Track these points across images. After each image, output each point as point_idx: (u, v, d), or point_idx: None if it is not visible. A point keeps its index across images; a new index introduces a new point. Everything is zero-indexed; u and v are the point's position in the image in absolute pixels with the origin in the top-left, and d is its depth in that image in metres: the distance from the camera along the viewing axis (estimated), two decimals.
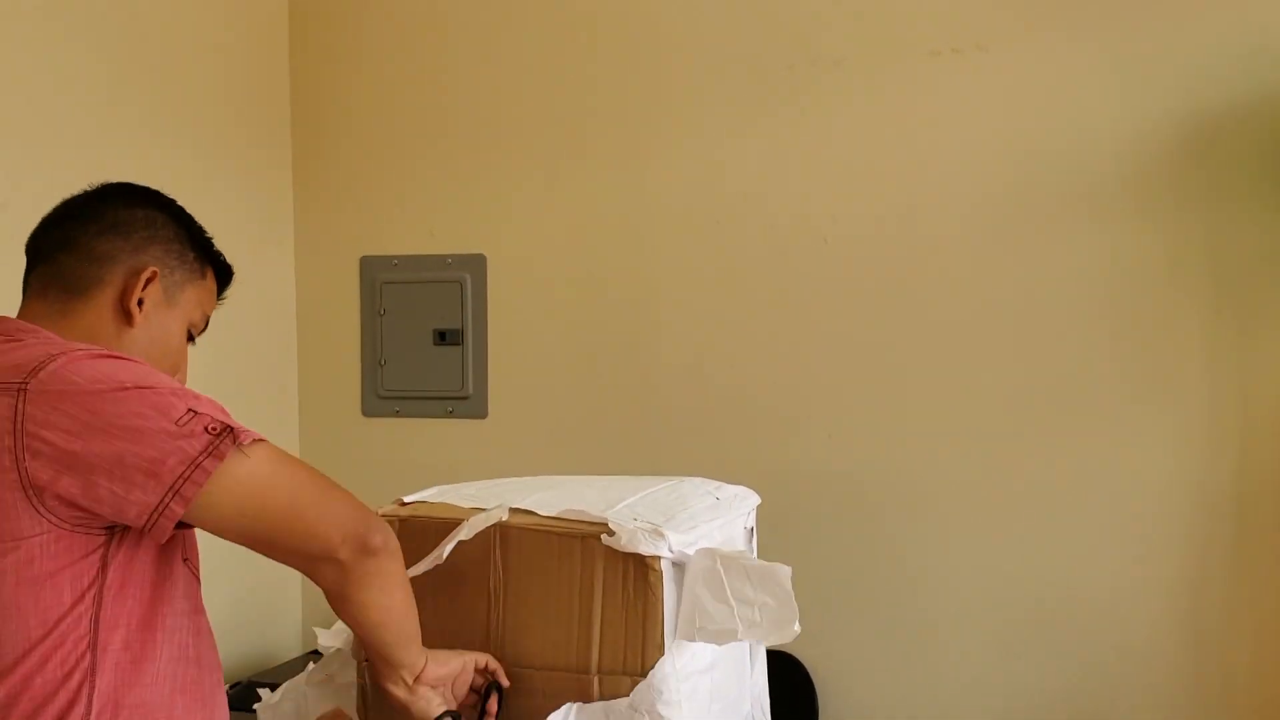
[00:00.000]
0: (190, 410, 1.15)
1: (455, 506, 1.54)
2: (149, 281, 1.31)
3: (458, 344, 2.67)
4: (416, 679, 1.37)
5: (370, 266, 2.74)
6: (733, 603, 1.40)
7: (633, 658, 1.41)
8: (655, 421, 2.56)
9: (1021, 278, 2.35)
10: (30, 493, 1.13)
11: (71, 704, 1.16)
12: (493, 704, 1.44)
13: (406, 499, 1.60)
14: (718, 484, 1.72)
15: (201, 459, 1.13)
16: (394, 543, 1.26)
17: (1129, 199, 2.29)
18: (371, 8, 2.73)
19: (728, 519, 1.62)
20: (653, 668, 1.39)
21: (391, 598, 1.28)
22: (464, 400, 2.68)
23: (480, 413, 2.68)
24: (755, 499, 1.74)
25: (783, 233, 2.48)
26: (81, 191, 1.38)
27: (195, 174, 2.46)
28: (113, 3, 2.28)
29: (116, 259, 1.31)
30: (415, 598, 1.36)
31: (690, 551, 1.43)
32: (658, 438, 2.55)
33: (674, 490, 1.65)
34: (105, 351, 1.22)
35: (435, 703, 1.39)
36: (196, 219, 1.42)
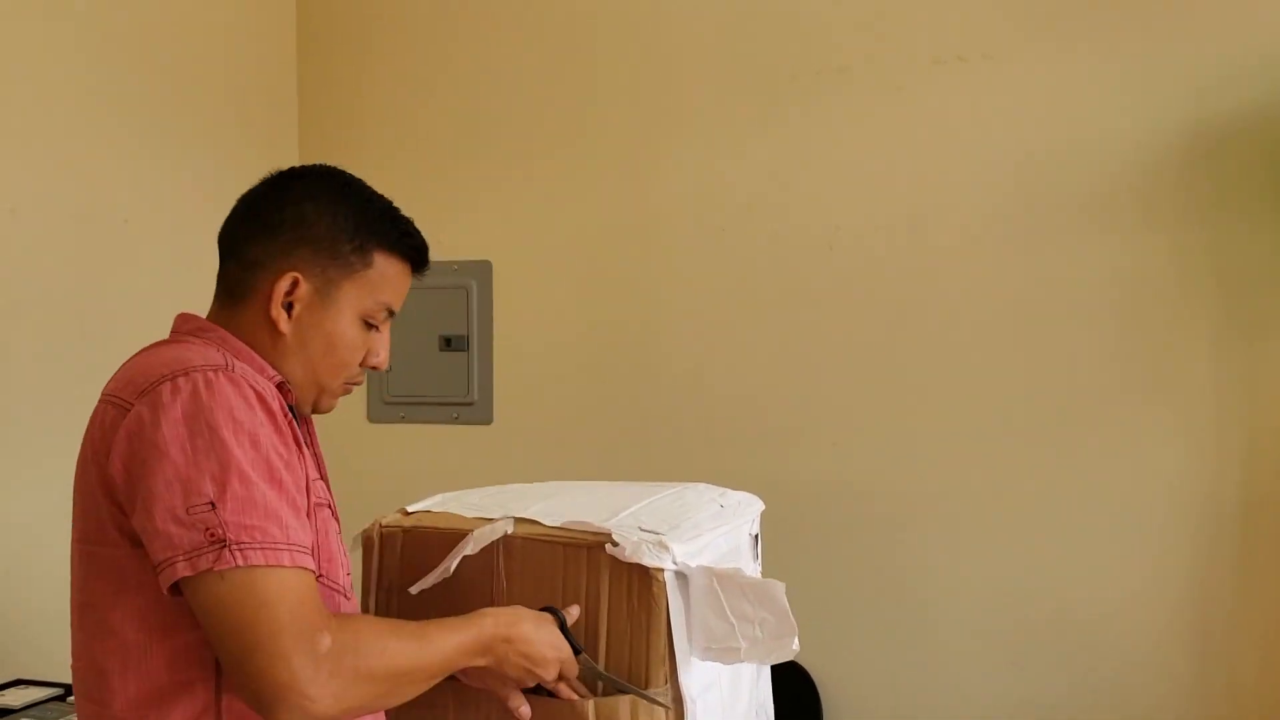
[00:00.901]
0: (211, 504, 1.14)
1: (459, 516, 1.54)
2: (293, 287, 1.31)
3: (463, 350, 2.67)
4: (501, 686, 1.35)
5: None
6: (733, 620, 1.40)
7: (637, 669, 1.41)
8: (660, 428, 2.56)
9: (1027, 286, 2.35)
10: (109, 502, 1.19)
11: (202, 709, 1.20)
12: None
13: (410, 508, 1.60)
14: (722, 490, 1.72)
15: (177, 559, 1.13)
16: (332, 689, 1.15)
17: (1135, 207, 2.29)
18: (378, 18, 2.74)
19: (732, 526, 1.62)
20: (656, 679, 1.39)
21: (396, 694, 1.23)
22: (469, 406, 2.68)
23: (486, 419, 2.68)
24: (760, 505, 1.74)
25: (788, 240, 2.48)
26: (261, 180, 1.38)
27: (203, 182, 2.47)
28: (122, 14, 2.29)
29: (264, 264, 1.32)
30: (418, 611, 1.35)
31: (693, 563, 1.42)
32: (663, 444, 2.55)
33: (678, 498, 1.64)
34: (220, 375, 1.20)
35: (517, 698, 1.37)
36: (378, 198, 1.40)
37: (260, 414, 1.20)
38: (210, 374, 1.19)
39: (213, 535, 1.12)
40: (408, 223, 1.41)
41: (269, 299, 1.31)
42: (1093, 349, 2.32)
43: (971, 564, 2.39)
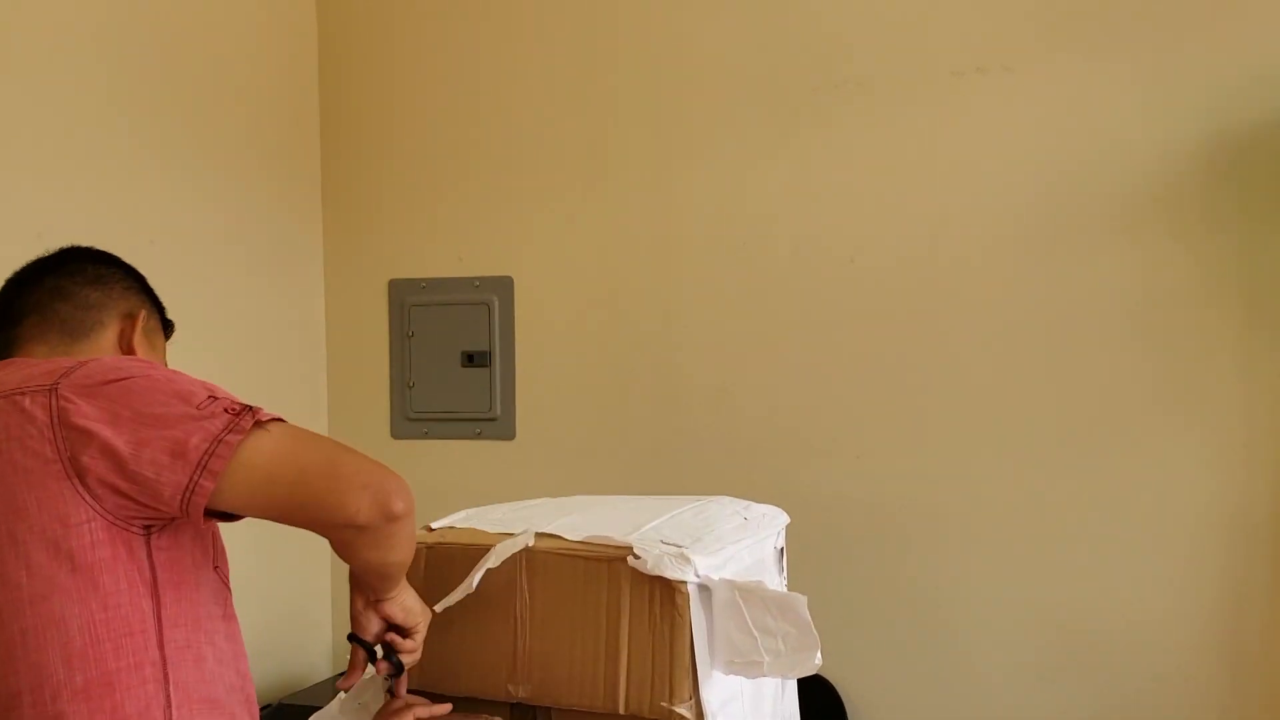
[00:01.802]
0: (210, 395, 1.22)
1: (483, 532, 1.54)
2: (140, 320, 1.43)
3: (485, 366, 2.68)
4: (377, 602, 1.42)
5: (399, 289, 2.75)
6: (755, 634, 1.40)
7: (660, 683, 1.40)
8: (682, 443, 2.56)
9: (1050, 298, 2.33)
10: (76, 480, 1.20)
11: (152, 694, 1.21)
12: (400, 686, 1.48)
13: (434, 525, 1.60)
14: (746, 503, 1.72)
15: (224, 434, 1.19)
16: (411, 503, 1.28)
17: (1158, 218, 2.27)
18: (399, 35, 2.76)
19: (756, 539, 1.61)
20: (680, 692, 1.39)
21: (399, 553, 1.31)
22: (492, 421, 2.69)
23: (508, 434, 2.69)
24: (785, 518, 1.73)
25: (809, 254, 2.48)
26: (45, 254, 1.46)
27: (226, 200, 2.49)
28: (145, 32, 2.31)
29: (108, 306, 1.42)
30: (442, 626, 1.39)
31: (716, 576, 1.42)
32: (685, 459, 2.55)
33: (701, 511, 1.64)
34: (123, 355, 1.35)
35: (373, 627, 1.44)
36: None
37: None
38: (103, 356, 1.31)
39: (230, 410, 1.21)
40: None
41: (120, 333, 1.42)
42: (1118, 361, 2.30)
43: (997, 578, 2.37)
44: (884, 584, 2.42)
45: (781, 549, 1.72)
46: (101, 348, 1.40)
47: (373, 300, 2.77)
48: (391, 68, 2.76)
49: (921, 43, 2.40)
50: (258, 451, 1.20)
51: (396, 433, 2.77)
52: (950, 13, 2.39)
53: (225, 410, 1.20)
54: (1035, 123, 2.34)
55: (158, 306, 1.50)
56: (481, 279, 2.68)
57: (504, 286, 2.68)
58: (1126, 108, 2.28)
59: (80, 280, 1.43)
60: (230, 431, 1.19)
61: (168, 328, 1.52)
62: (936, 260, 2.40)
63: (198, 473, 1.18)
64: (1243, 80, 2.21)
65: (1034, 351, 2.35)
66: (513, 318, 2.67)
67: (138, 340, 1.42)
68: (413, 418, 2.75)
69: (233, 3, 2.55)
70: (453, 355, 2.70)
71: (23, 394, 1.23)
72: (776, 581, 1.66)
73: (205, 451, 1.18)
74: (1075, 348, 2.32)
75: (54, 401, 1.21)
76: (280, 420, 1.24)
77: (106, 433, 1.19)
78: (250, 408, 1.22)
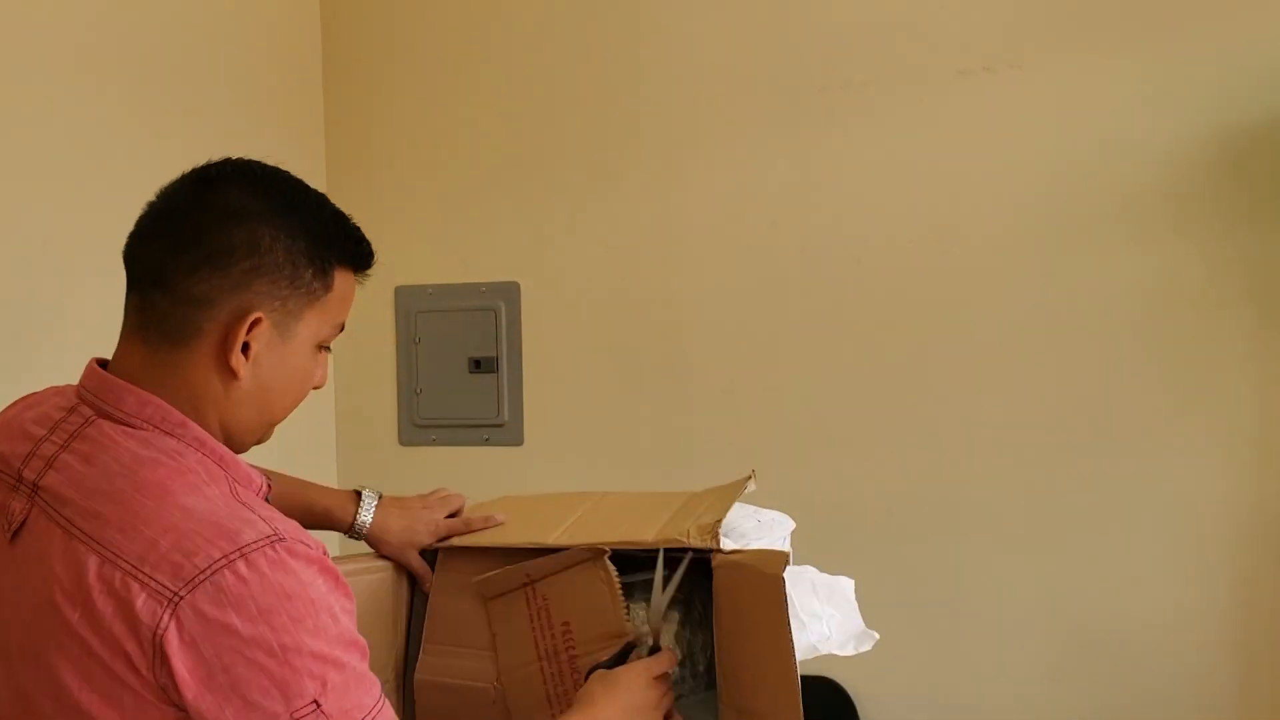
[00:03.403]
0: (315, 703, 1.03)
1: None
2: (252, 327, 1.14)
3: (493, 371, 2.68)
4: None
5: (405, 296, 2.75)
6: (804, 618, 1.39)
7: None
8: (692, 445, 2.55)
9: (1059, 296, 2.33)
10: (151, 690, 1.02)
11: None
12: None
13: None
14: (755, 508, 1.72)
15: None
16: None
17: (1167, 215, 2.26)
18: (404, 38, 2.76)
19: (769, 541, 1.62)
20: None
21: None
22: (500, 428, 2.69)
23: (516, 440, 2.68)
24: (790, 524, 1.73)
25: (816, 254, 2.47)
26: (175, 186, 1.20)
27: None
28: (145, 30, 2.31)
29: (215, 301, 1.13)
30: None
31: None
32: (694, 462, 2.54)
33: None
34: (280, 553, 1.05)
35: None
36: (324, 202, 1.26)
37: (322, 580, 1.07)
38: (270, 551, 1.04)
39: None
40: (355, 227, 1.28)
41: (224, 344, 1.14)
42: (1127, 359, 2.29)
43: (1007, 577, 2.36)
44: (894, 582, 2.41)
45: (788, 554, 1.72)
46: (200, 362, 1.13)
47: (379, 307, 2.77)
48: (396, 72, 2.76)
49: (928, 42, 2.39)
50: None
51: (405, 439, 2.77)
52: (957, 12, 2.38)
53: None
54: (1043, 122, 2.33)
55: (334, 258, 1.20)
56: (488, 285, 2.68)
57: (510, 292, 2.67)
58: (1135, 106, 2.27)
59: (189, 259, 1.13)
60: None
61: (365, 270, 1.25)
62: (944, 259, 2.39)
63: None
64: (1253, 78, 2.20)
65: (1042, 349, 2.34)
66: (519, 323, 2.67)
67: (257, 345, 1.14)
68: (420, 424, 2.75)
69: (238, 4, 2.56)
70: (459, 361, 2.70)
71: (111, 557, 1.01)
72: None
73: None
74: (1084, 346, 2.31)
75: (167, 620, 1.00)
76: None
77: (190, 694, 1.00)
78: None
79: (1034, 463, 2.34)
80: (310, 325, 1.20)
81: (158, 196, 1.20)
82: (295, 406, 1.26)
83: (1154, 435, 2.28)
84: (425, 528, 1.61)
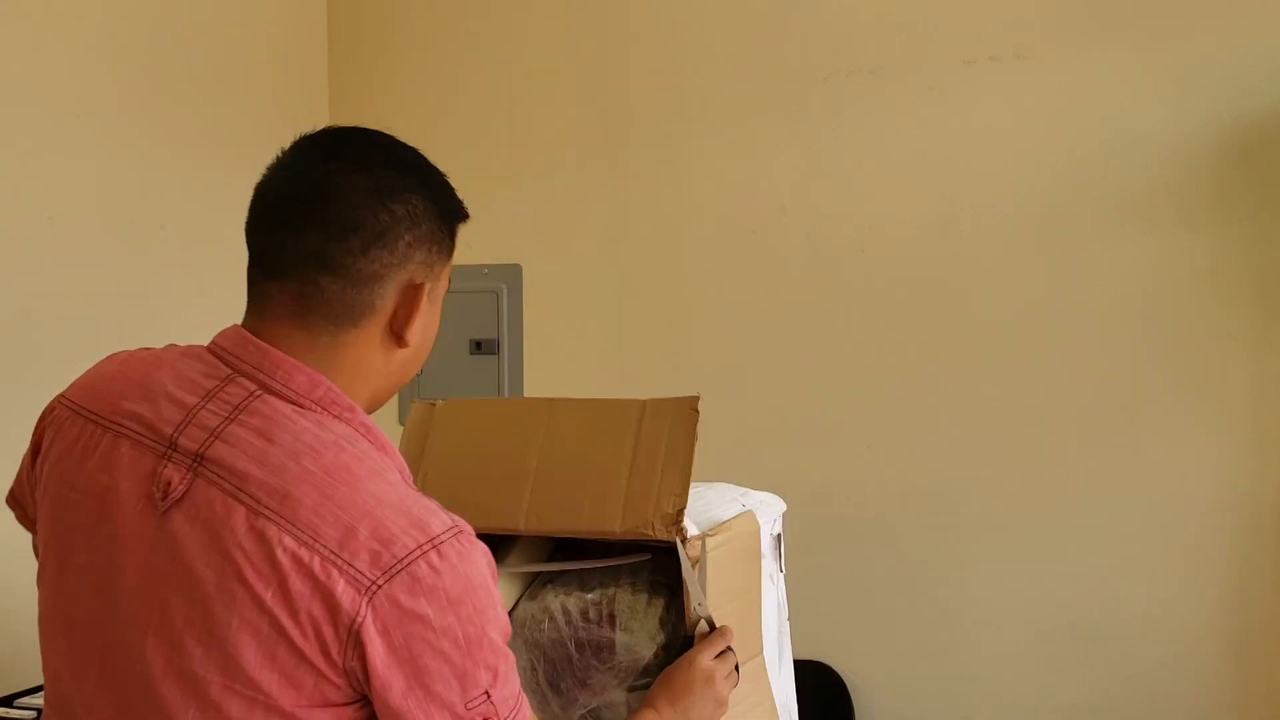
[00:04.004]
0: (486, 694, 1.04)
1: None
2: (425, 291, 1.16)
3: (494, 354, 2.69)
4: None
5: None
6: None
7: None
8: None
9: (1061, 287, 2.33)
10: (338, 673, 1.02)
11: None
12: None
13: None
14: (743, 490, 1.72)
15: None
16: None
17: (1171, 207, 2.26)
18: (408, 22, 2.76)
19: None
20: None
21: None
22: None
23: None
24: (782, 505, 1.74)
25: (820, 242, 2.47)
26: (299, 165, 1.17)
27: (237, 187, 2.49)
28: (154, 22, 2.32)
29: (385, 278, 1.13)
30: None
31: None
32: (697, 447, 2.55)
33: (699, 496, 1.65)
34: (463, 544, 1.05)
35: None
36: (430, 163, 1.27)
37: (489, 571, 1.08)
38: (456, 543, 1.04)
39: None
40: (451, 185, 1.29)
41: (396, 317, 1.15)
42: (1128, 350, 2.29)
43: (1005, 566, 2.37)
44: (891, 572, 2.42)
45: (778, 535, 1.72)
46: (369, 337, 1.13)
47: None
48: (401, 55, 2.77)
49: (934, 30, 2.39)
50: None
51: (405, 419, 2.77)
52: (963, 1, 2.37)
53: None
54: (1048, 111, 2.33)
55: (457, 220, 1.23)
56: (490, 267, 2.69)
57: (513, 274, 2.68)
58: (1139, 96, 2.27)
59: (357, 241, 1.11)
60: None
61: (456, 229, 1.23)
62: (947, 249, 2.39)
63: None
64: (1258, 69, 2.20)
65: (1043, 340, 2.34)
66: (521, 305, 2.68)
67: (418, 324, 1.15)
68: None
69: None
70: (461, 343, 2.71)
71: (309, 541, 1.00)
72: (773, 568, 1.66)
73: None
74: (1085, 336, 2.31)
75: (364, 608, 1.00)
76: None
77: (378, 682, 1.00)
78: None
79: (1032, 452, 2.35)
80: (444, 284, 1.22)
81: (282, 180, 1.18)
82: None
83: (1153, 426, 2.28)
84: None
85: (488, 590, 1.05)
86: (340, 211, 1.13)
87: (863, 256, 2.44)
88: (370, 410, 1.19)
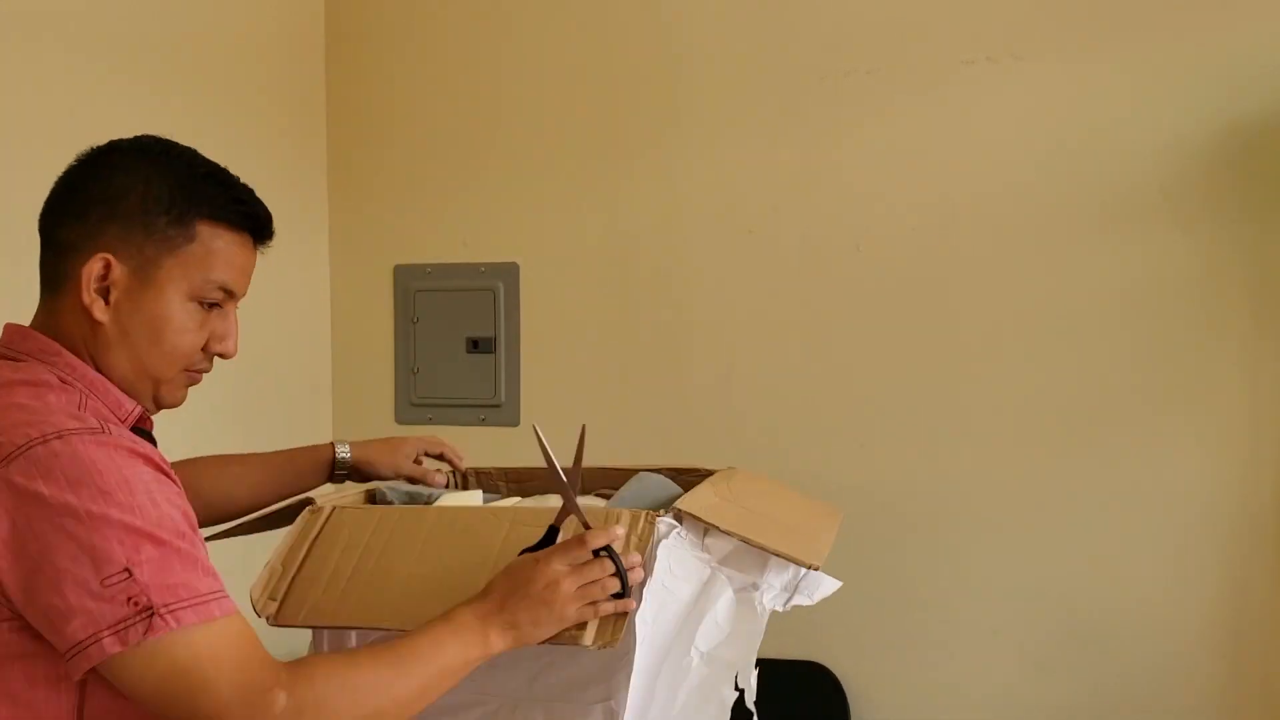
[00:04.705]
0: (126, 570, 1.05)
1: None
2: (106, 270, 1.20)
3: (490, 352, 2.68)
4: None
5: (404, 275, 2.75)
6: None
7: None
8: (687, 430, 2.56)
9: (1056, 288, 2.33)
10: None
11: None
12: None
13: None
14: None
15: (102, 635, 1.04)
16: (302, 695, 1.09)
17: (1165, 209, 2.26)
18: (407, 18, 2.75)
19: None
20: None
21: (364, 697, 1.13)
22: (496, 408, 2.69)
23: (513, 421, 2.69)
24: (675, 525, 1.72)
25: (816, 241, 2.47)
26: (74, 160, 1.26)
27: None
28: (150, 13, 2.31)
29: (76, 247, 1.21)
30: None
31: (717, 558, 1.42)
32: (689, 446, 2.55)
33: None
34: (100, 440, 1.10)
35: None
36: (205, 163, 1.28)
37: (145, 468, 1.11)
38: (89, 435, 1.09)
39: (136, 603, 1.04)
40: (241, 188, 1.28)
41: (80, 286, 1.19)
42: (1122, 352, 2.30)
43: (1000, 568, 2.37)
44: (886, 572, 2.42)
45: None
46: (69, 307, 1.21)
47: (378, 286, 2.77)
48: (398, 52, 2.76)
49: (930, 31, 2.39)
50: (128, 669, 1.05)
51: (401, 418, 2.77)
52: (960, 2, 2.38)
53: (128, 601, 1.04)
54: (1044, 113, 2.33)
55: (198, 213, 1.22)
56: (487, 265, 2.68)
57: (509, 272, 2.67)
58: (1136, 97, 2.28)
59: (60, 211, 1.23)
60: (114, 632, 1.03)
61: (256, 234, 1.27)
62: (942, 249, 2.39)
63: (69, 653, 1.05)
64: (1252, 72, 2.20)
65: (1038, 342, 2.34)
66: (518, 304, 2.67)
67: (116, 290, 1.20)
68: (417, 403, 2.75)
69: None
70: (457, 341, 2.70)
71: None
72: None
73: (77, 644, 1.04)
74: (1079, 338, 2.32)
75: None
76: (187, 628, 1.06)
77: (9, 561, 1.05)
78: (154, 611, 1.04)
79: (1027, 454, 2.35)
80: (172, 275, 1.22)
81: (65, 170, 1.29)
82: (178, 363, 1.25)
83: (1147, 428, 2.29)
84: (409, 448, 1.77)
85: (120, 478, 1.07)
86: (62, 188, 1.25)
87: (858, 256, 2.45)
88: (131, 394, 1.23)
